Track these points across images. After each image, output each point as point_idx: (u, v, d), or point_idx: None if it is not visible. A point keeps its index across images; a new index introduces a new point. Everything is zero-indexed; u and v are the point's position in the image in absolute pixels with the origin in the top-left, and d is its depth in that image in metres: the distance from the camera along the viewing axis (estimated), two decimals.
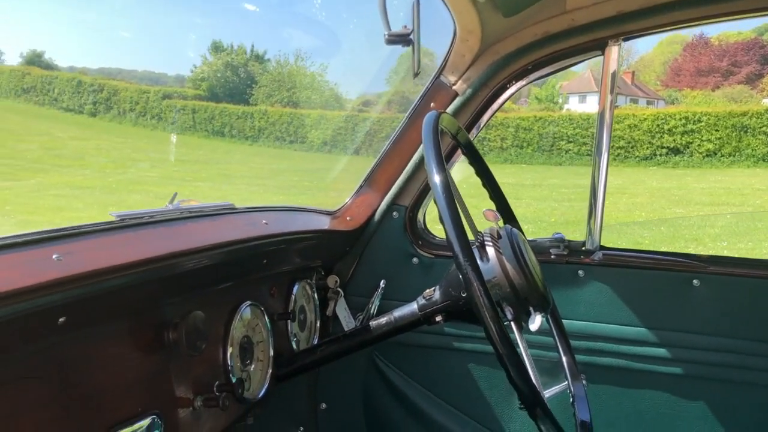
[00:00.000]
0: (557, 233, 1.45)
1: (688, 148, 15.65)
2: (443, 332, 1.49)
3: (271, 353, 1.19)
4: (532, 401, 0.90)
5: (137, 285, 0.81)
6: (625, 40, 1.33)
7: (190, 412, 0.95)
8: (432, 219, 1.54)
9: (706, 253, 1.46)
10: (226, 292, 1.06)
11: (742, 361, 1.37)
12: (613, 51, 1.33)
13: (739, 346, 1.37)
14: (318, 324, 1.43)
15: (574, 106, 19.91)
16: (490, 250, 1.02)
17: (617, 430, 1.44)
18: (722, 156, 15.45)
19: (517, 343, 1.00)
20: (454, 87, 1.39)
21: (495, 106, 1.41)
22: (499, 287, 1.01)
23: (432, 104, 1.40)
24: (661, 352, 1.40)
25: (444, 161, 0.93)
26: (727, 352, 1.37)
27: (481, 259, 1.02)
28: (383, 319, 1.19)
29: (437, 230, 1.55)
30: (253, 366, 1.15)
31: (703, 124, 15.52)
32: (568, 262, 1.43)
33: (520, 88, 1.40)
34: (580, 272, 1.42)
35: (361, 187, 1.49)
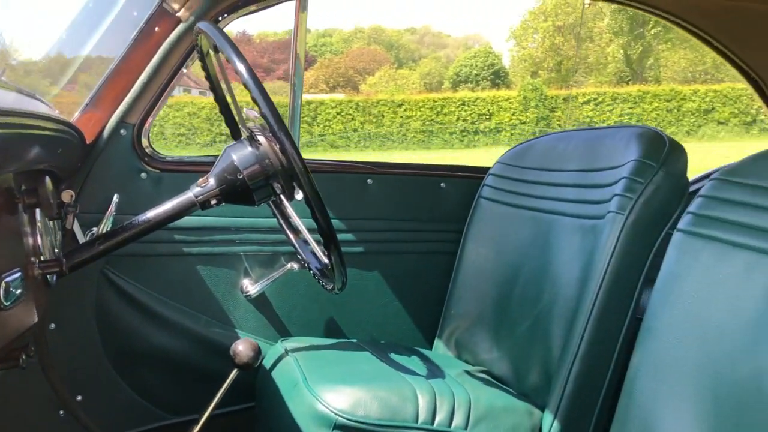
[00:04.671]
0: None
1: None
2: (173, 240, 1.65)
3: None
4: (329, 235, 1.17)
5: None
6: None
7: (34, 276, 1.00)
8: (155, 135, 1.68)
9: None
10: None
11: (402, 237, 1.86)
12: None
13: (399, 225, 1.86)
14: (60, 236, 1.46)
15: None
16: (261, 138, 1.25)
17: (321, 305, 1.81)
18: None
19: (288, 210, 1.27)
20: (177, 14, 1.56)
21: None
22: (272, 167, 1.24)
23: (156, 29, 1.55)
24: (349, 236, 1.81)
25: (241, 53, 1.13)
26: (394, 231, 1.85)
27: (257, 147, 1.25)
28: (161, 209, 1.31)
29: (162, 148, 1.70)
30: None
31: None
32: None
33: (231, 21, 1.65)
34: None
35: (86, 105, 1.55)
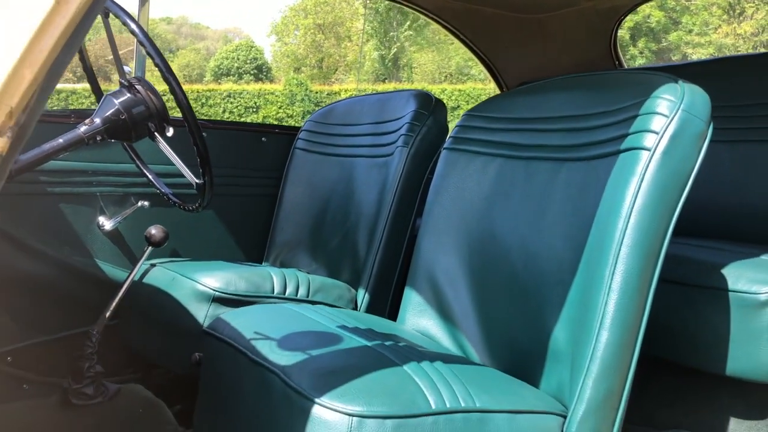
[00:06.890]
0: None
1: None
2: (38, 181, 1.90)
3: None
4: (205, 156, 1.55)
5: None
6: None
7: None
8: None
9: None
10: None
11: (232, 181, 2.28)
12: None
13: (230, 171, 2.27)
14: None
15: None
16: (139, 87, 1.59)
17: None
18: None
19: (161, 144, 1.62)
20: None
21: None
22: (149, 110, 1.59)
23: None
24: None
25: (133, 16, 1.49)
26: (226, 176, 2.26)
27: (135, 94, 1.58)
28: (54, 143, 1.56)
29: None
30: None
31: None
32: None
33: None
34: None
35: None
